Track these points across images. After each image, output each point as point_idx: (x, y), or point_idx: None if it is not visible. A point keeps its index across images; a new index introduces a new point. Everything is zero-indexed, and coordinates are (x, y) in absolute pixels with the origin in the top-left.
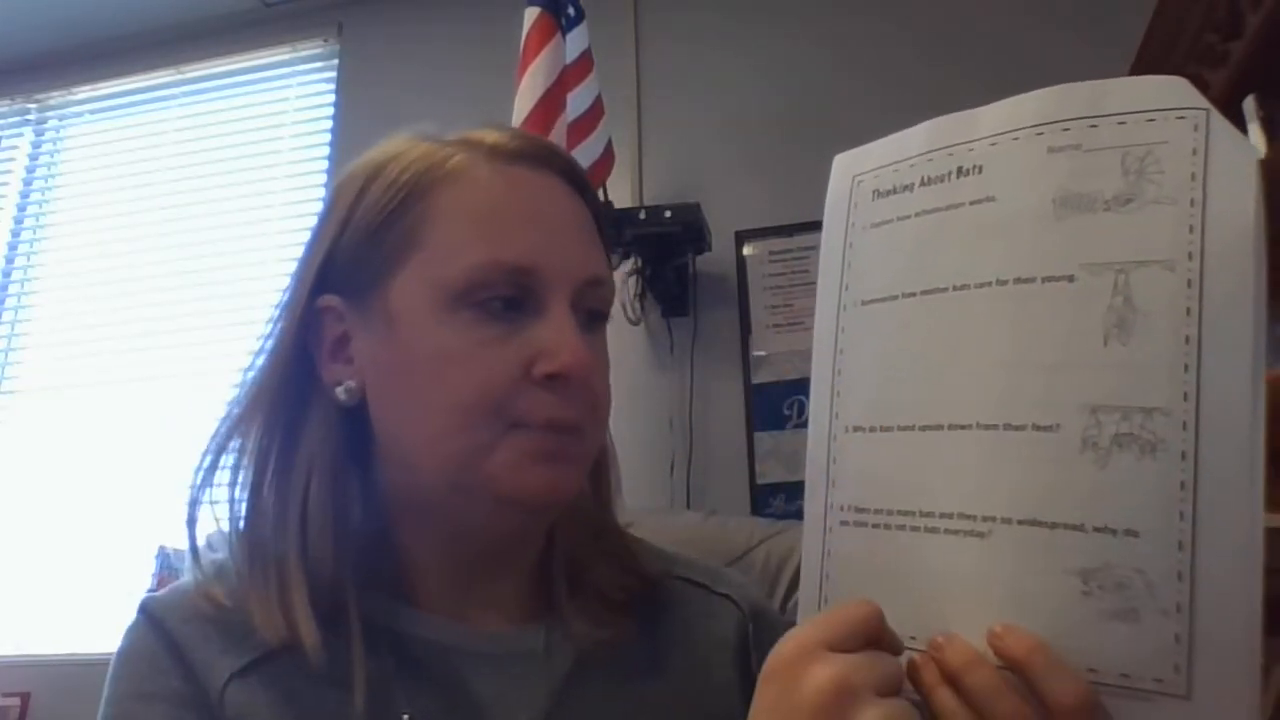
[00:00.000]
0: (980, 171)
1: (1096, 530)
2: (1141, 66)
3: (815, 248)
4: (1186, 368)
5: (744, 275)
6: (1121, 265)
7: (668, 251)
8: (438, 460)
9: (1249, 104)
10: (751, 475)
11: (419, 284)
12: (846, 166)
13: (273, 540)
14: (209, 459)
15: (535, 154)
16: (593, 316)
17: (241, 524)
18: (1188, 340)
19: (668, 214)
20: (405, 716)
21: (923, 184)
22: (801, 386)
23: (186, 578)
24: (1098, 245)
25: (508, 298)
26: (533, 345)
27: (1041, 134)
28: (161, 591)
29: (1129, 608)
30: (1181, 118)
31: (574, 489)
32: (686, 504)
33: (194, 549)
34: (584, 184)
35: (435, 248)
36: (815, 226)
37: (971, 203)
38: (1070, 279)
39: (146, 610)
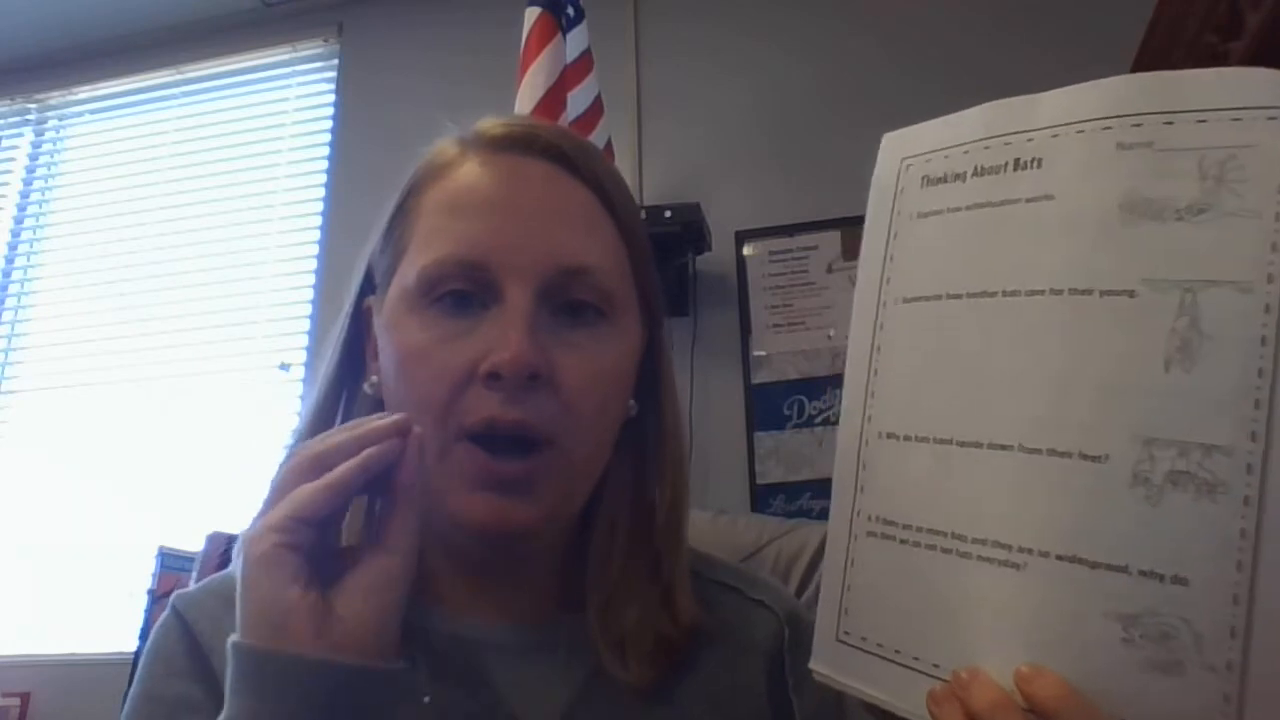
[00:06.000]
0: (1039, 165)
1: (1142, 574)
2: (1141, 67)
3: (815, 248)
4: (1257, 404)
5: (744, 275)
6: (1190, 283)
7: (668, 251)
8: None
9: None
10: (751, 475)
11: (400, 284)
12: (895, 147)
13: None
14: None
15: (520, 139)
16: (580, 310)
17: None
18: (1260, 373)
19: (668, 214)
20: (426, 699)
21: (976, 174)
22: (802, 386)
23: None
24: (1165, 258)
25: (463, 293)
26: (486, 341)
27: (1110, 128)
28: (193, 587)
29: (1173, 660)
30: (1273, 118)
31: (534, 518)
32: None
33: None
34: (578, 165)
35: (415, 247)
36: (815, 226)
37: (1028, 200)
38: (1131, 294)
39: (175, 608)
